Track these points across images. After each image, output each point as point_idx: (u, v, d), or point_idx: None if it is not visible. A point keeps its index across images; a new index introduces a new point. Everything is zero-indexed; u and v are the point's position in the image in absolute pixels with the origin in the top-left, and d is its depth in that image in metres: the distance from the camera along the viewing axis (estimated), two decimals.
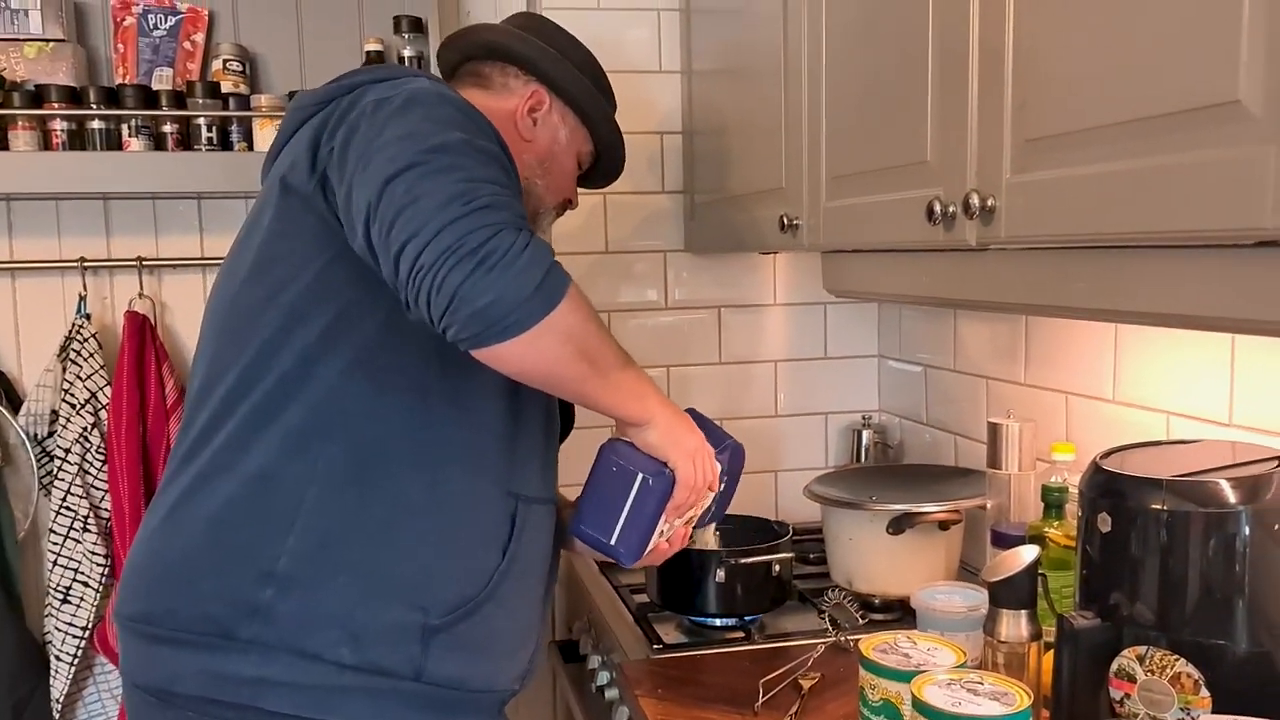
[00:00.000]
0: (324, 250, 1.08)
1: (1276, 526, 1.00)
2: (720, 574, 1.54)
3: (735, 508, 1.81)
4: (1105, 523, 1.07)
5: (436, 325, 0.96)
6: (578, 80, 1.34)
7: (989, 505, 1.52)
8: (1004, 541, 1.40)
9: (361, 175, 1.00)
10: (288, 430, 1.07)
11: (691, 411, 1.23)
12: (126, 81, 1.88)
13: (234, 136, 1.85)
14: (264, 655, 1.05)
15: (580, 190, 1.47)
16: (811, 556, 1.86)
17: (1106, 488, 1.08)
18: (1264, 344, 1.19)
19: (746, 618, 1.58)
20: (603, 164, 1.45)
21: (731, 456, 1.28)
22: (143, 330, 1.92)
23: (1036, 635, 1.17)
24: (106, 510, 1.94)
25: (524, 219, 1.00)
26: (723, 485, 1.28)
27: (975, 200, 0.98)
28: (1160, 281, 0.84)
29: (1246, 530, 0.99)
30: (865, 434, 2.09)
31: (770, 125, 1.54)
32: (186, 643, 1.07)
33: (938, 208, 1.05)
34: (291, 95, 1.87)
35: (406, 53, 1.93)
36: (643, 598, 1.69)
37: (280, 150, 1.18)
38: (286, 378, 1.08)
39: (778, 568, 1.56)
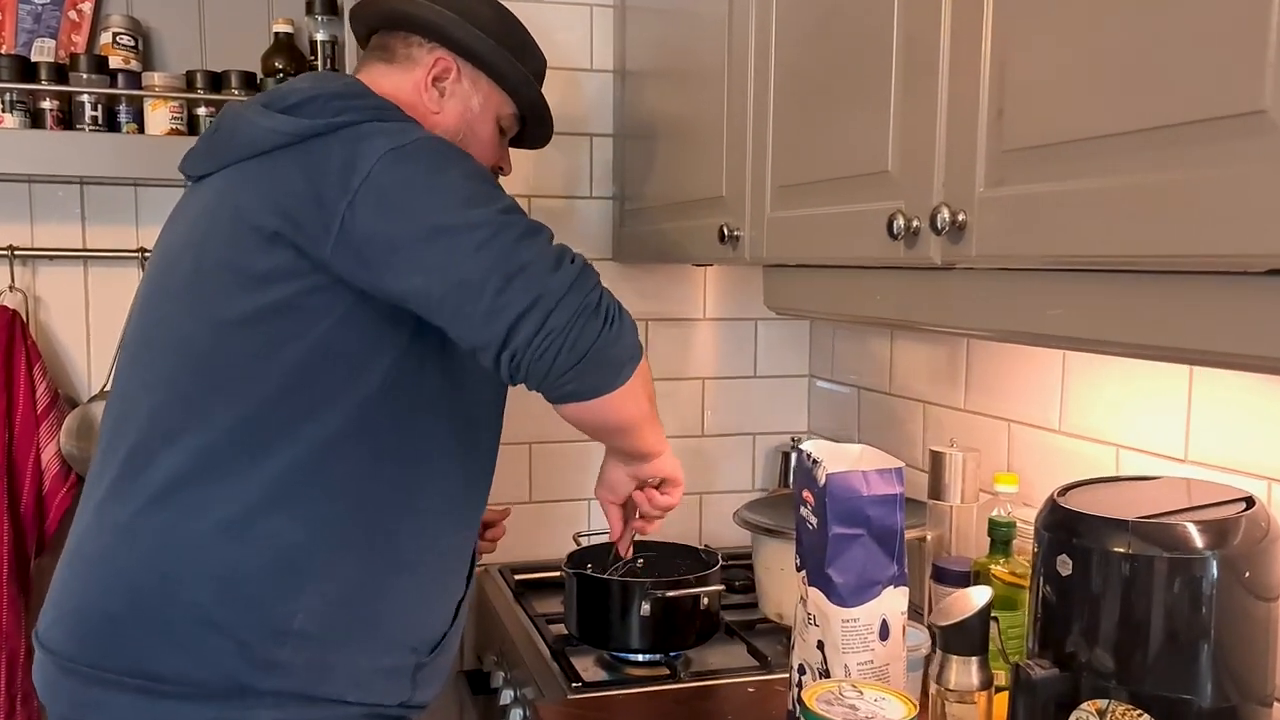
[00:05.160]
0: (331, 311, 1.06)
1: (1247, 574, 0.94)
2: (645, 607, 1.43)
3: (660, 534, 1.72)
4: (1065, 565, 1.01)
5: (553, 383, 1.04)
6: (483, 41, 1.27)
7: (929, 537, 1.45)
8: (946, 578, 1.33)
9: (435, 244, 1.02)
10: (292, 492, 1.07)
11: None
12: (2, 52, 1.70)
13: (122, 117, 1.67)
14: (278, 701, 1.08)
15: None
16: (738, 584, 1.77)
17: (1065, 527, 1.02)
18: (1224, 375, 1.14)
19: (672, 653, 1.48)
20: (529, 125, 1.39)
21: None
22: (12, 326, 1.74)
23: (988, 683, 1.10)
24: None
25: None
26: None
27: (945, 215, 0.90)
28: (1152, 311, 0.76)
29: (1215, 576, 0.93)
30: (794, 456, 2.01)
31: (710, 129, 1.45)
32: (201, 697, 1.07)
33: (900, 222, 0.97)
34: (190, 76, 1.72)
35: (319, 36, 1.79)
36: (560, 629, 1.58)
37: (229, 161, 1.12)
38: (289, 438, 1.07)
39: (706, 600, 1.47)
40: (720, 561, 1.54)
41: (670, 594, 1.43)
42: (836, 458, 1.20)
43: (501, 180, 1.54)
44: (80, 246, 1.81)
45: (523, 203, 1.93)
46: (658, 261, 1.94)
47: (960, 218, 0.90)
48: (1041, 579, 1.04)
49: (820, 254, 1.17)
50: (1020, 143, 0.84)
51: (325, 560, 1.09)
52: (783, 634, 1.57)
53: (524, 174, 1.93)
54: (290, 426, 1.07)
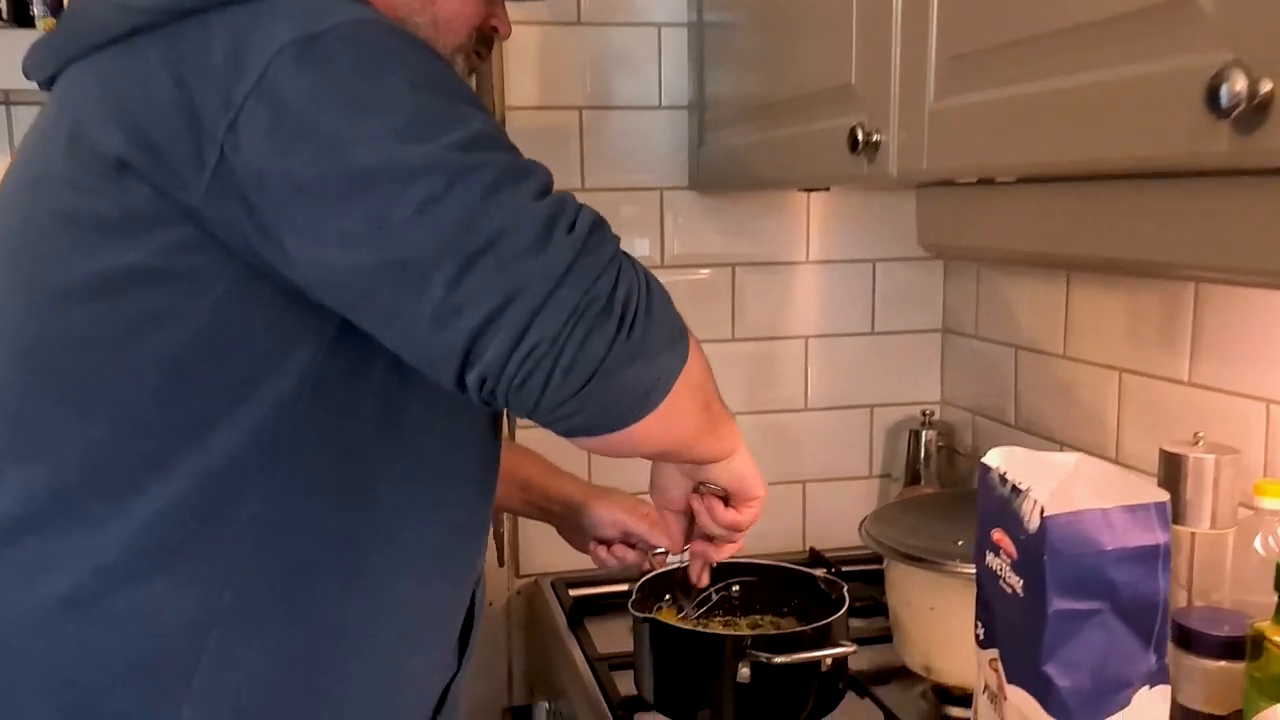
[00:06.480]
0: (216, 278, 0.75)
1: None
2: (743, 671, 1.03)
3: (755, 545, 1.31)
4: None
5: (547, 416, 0.71)
6: None
7: None
8: (1202, 646, 0.89)
9: (355, 200, 0.69)
10: (170, 547, 0.77)
11: None
12: None
13: (36, 9, 1.30)
14: None
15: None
16: (859, 604, 1.33)
17: None
18: None
19: None
20: None
21: None
22: None
23: None
24: None
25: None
26: None
27: None
28: None
29: None
30: (926, 435, 1.59)
31: None
32: None
33: (1238, 86, 0.52)
34: None
35: None
36: (627, 681, 1.19)
37: (74, 55, 0.78)
38: (165, 468, 0.76)
39: (830, 662, 1.06)
40: (847, 600, 1.12)
41: (779, 659, 1.02)
42: (1041, 475, 0.78)
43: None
44: None
45: (571, 116, 1.55)
46: (753, 188, 1.53)
47: None
48: None
49: (1038, 157, 0.72)
50: None
51: (223, 644, 0.78)
52: (927, 684, 1.17)
53: (571, 81, 1.55)
54: (166, 452, 0.76)
